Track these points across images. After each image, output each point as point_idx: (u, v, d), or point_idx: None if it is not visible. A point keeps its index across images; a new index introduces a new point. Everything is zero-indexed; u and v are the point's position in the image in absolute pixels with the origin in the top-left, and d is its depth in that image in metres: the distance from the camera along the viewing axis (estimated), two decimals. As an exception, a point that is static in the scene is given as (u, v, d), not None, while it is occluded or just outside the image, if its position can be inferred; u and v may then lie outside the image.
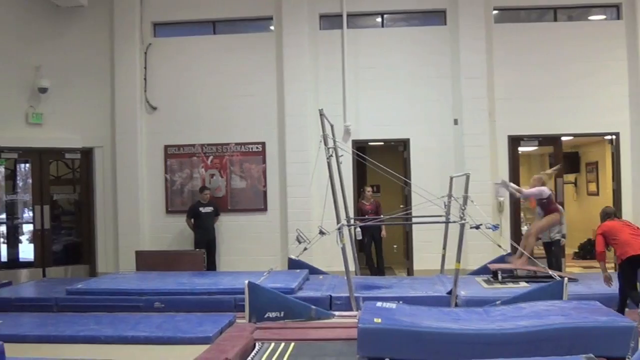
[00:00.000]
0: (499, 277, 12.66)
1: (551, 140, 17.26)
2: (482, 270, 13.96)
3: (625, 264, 10.56)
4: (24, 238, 17.55)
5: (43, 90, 16.99)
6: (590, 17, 17.36)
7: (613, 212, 11.72)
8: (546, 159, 20.31)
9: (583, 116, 16.60)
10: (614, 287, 10.94)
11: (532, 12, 17.49)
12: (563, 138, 17.36)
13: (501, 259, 13.94)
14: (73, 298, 12.22)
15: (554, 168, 14.89)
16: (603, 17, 17.28)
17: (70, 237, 18.17)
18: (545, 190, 13.43)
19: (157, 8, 17.59)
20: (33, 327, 10.20)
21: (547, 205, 13.41)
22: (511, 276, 12.88)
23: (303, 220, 15.88)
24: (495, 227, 11.92)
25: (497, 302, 10.44)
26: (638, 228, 11.03)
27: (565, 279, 10.84)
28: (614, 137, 16.80)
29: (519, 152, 17.43)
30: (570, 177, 21.41)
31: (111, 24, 17.52)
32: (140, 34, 17.48)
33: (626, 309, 10.48)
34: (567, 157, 19.49)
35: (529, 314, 8.78)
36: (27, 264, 17.16)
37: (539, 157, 21.69)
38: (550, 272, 11.63)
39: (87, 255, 17.75)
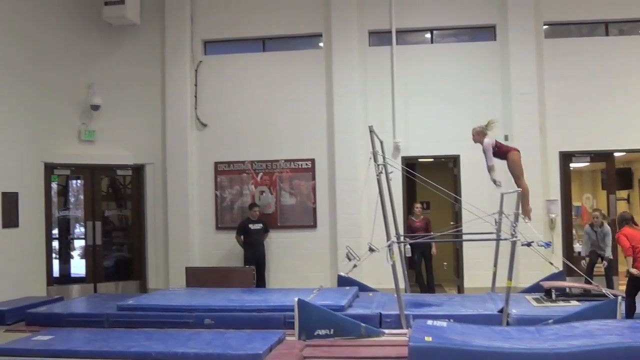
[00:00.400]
0: (553, 295, 12.47)
1: (603, 156, 17.07)
2: (534, 288, 13.79)
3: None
4: (75, 254, 17.76)
5: (95, 107, 17.22)
6: (643, 31, 17.19)
7: (631, 218, 11.76)
8: (598, 175, 20.08)
9: (636, 131, 16.39)
10: None
11: (582, 26, 17.34)
12: (615, 154, 17.16)
13: (554, 277, 13.77)
14: (124, 314, 12.30)
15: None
16: (655, 30, 17.10)
17: (121, 253, 18.35)
18: (489, 141, 12.82)
19: (208, 26, 17.76)
20: (84, 342, 10.28)
21: (502, 151, 12.98)
22: (564, 294, 12.69)
23: (353, 237, 15.86)
24: (548, 245, 11.79)
25: (550, 321, 10.32)
26: None
27: (619, 297, 10.68)
28: (667, 152, 16.57)
29: (571, 168, 17.25)
30: (623, 193, 21.12)
31: (162, 41, 17.72)
32: (190, 52, 17.65)
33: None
34: (619, 173, 19.25)
35: (582, 333, 8.67)
36: (78, 280, 17.37)
37: (591, 173, 21.44)
38: (604, 290, 11.46)
39: (138, 271, 17.90)
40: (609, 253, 15.06)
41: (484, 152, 12.63)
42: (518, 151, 12.79)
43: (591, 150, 16.77)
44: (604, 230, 15.26)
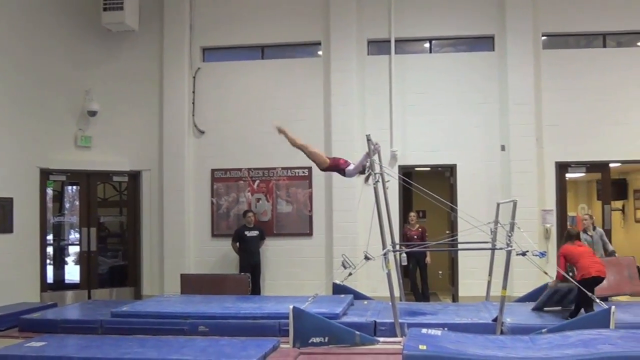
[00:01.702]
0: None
1: (599, 167, 17.13)
2: (528, 297, 13.81)
3: (586, 282, 11.35)
4: (70, 260, 17.76)
5: (92, 113, 17.24)
6: (640, 43, 17.26)
7: (576, 235, 12.31)
8: (593, 185, 20.13)
9: (631, 143, 16.46)
10: None
11: (580, 38, 17.40)
12: (611, 165, 17.21)
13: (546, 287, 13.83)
14: (118, 320, 12.24)
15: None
16: (653, 43, 17.17)
17: (116, 259, 18.36)
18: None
19: (206, 33, 17.79)
20: (78, 349, 10.22)
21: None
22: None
23: (348, 245, 15.87)
24: (542, 254, 11.78)
25: (544, 330, 10.32)
26: (593, 252, 12.12)
27: (613, 307, 10.68)
28: (662, 164, 16.62)
29: (567, 179, 17.29)
30: (618, 203, 21.17)
31: (161, 48, 17.75)
32: (189, 59, 17.69)
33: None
34: (615, 184, 19.31)
35: (575, 342, 8.66)
36: (73, 286, 17.37)
37: (587, 183, 21.49)
38: (598, 300, 11.46)
39: (133, 278, 17.91)
40: (611, 248, 15.47)
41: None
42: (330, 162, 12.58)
43: (587, 160, 16.82)
44: (598, 232, 15.48)
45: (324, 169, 12.68)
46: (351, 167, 12.30)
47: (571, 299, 11.99)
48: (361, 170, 12.22)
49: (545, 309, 12.41)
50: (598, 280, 11.48)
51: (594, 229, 15.56)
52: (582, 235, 15.55)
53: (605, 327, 10.10)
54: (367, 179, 12.21)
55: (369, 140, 12.05)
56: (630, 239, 20.83)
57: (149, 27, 17.67)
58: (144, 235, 17.74)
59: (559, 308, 12.37)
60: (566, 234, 12.39)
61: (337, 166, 12.41)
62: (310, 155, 12.48)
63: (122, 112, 17.56)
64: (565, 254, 11.86)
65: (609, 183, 17.56)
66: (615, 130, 16.49)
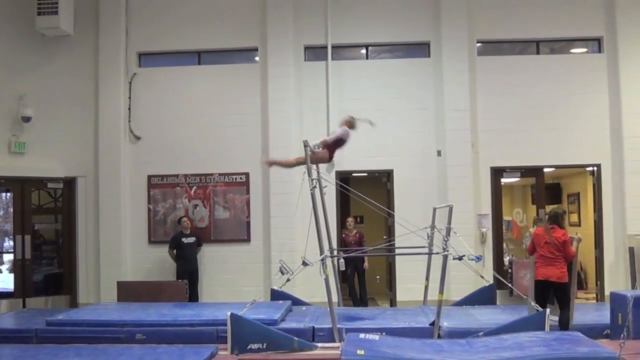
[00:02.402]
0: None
1: (533, 172, 17.39)
2: (465, 301, 13.96)
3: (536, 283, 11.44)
4: (3, 268, 17.43)
5: (26, 119, 16.97)
6: (573, 50, 17.57)
7: (556, 216, 11.75)
8: (528, 190, 20.39)
9: (565, 148, 16.75)
10: (598, 317, 11.15)
11: (515, 44, 17.67)
12: (545, 169, 17.49)
13: (485, 290, 14.00)
14: (53, 329, 12.08)
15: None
16: (585, 50, 17.48)
17: (52, 267, 18.08)
18: (347, 132, 12.93)
19: (143, 38, 17.64)
20: (12, 359, 10.09)
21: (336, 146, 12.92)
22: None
23: (286, 251, 15.86)
24: (478, 259, 11.90)
25: (480, 334, 10.43)
26: (558, 249, 11.33)
27: (547, 310, 10.83)
28: (595, 168, 16.94)
29: (502, 183, 17.51)
30: (552, 207, 21.47)
31: (96, 53, 17.53)
32: (125, 64, 17.51)
33: (608, 339, 10.56)
34: (549, 188, 19.59)
35: (511, 345, 8.76)
36: (6, 295, 16.99)
37: (522, 188, 21.74)
38: (532, 303, 11.60)
39: (68, 286, 17.65)
40: None
41: (337, 136, 12.70)
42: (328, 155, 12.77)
43: (522, 165, 17.09)
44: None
45: (331, 158, 12.82)
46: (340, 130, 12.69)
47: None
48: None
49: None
50: (544, 283, 11.34)
51: None
52: (528, 235, 16.04)
53: (541, 330, 10.25)
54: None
55: (306, 146, 12.08)
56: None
57: (84, 32, 17.45)
58: (80, 243, 17.50)
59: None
60: (551, 213, 12.08)
61: (337, 145, 12.73)
62: (312, 161, 12.35)
63: (57, 118, 17.31)
64: (534, 235, 11.80)
65: (543, 187, 17.83)
66: (549, 136, 16.76)
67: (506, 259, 17.45)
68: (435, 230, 13.13)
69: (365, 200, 12.87)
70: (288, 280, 11.71)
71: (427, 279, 14.04)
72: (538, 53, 17.45)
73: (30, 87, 17.11)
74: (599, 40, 17.15)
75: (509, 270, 16.52)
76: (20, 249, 17.04)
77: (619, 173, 16.61)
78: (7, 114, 16.94)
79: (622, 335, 8.74)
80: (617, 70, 16.71)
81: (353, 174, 17.86)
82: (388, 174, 17.17)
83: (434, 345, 9.30)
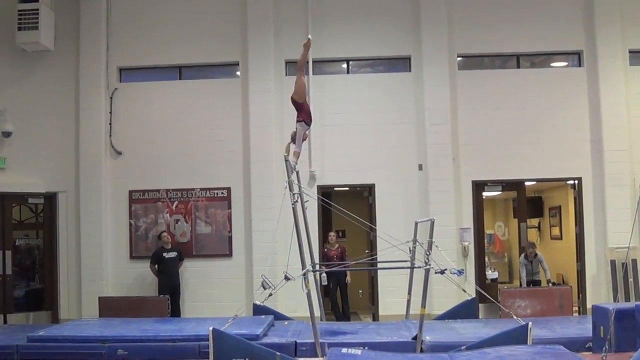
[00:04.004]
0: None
1: (515, 185, 17.49)
2: (448, 315, 13.96)
3: None
4: (-16, 284, 17.31)
5: (7, 134, 16.93)
6: (553, 64, 17.68)
7: None
8: (510, 203, 20.47)
9: (546, 161, 16.82)
10: (580, 330, 11.21)
11: (495, 59, 17.79)
12: (526, 183, 17.59)
13: (467, 304, 14.03)
14: (35, 345, 11.99)
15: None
16: (565, 64, 17.60)
17: (33, 282, 17.98)
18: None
19: (123, 53, 17.61)
20: (-7, 375, 10.05)
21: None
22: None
23: (268, 265, 15.73)
24: (460, 272, 11.91)
25: (462, 348, 10.42)
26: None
27: (530, 323, 10.84)
28: (576, 182, 17.04)
29: (483, 197, 17.56)
30: (534, 221, 21.55)
31: (77, 68, 17.49)
32: (106, 79, 17.48)
33: (590, 352, 10.58)
34: (530, 202, 19.68)
35: (493, 359, 8.77)
36: (-13, 311, 16.92)
37: (503, 201, 21.85)
38: (514, 316, 11.61)
39: (50, 302, 17.54)
40: (549, 276, 16.43)
41: (297, 137, 12.57)
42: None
43: (503, 179, 17.16)
44: (539, 258, 16.60)
45: (297, 102, 12.42)
46: (299, 128, 12.35)
47: None
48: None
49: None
50: None
51: (535, 255, 16.62)
52: (523, 261, 16.24)
53: (523, 344, 10.25)
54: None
55: (287, 161, 12.08)
56: (546, 255, 21.01)
57: (64, 47, 17.41)
58: (61, 258, 17.40)
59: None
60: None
61: (304, 110, 12.40)
62: (298, 80, 12.33)
63: (38, 133, 17.26)
64: None
65: (525, 201, 17.91)
66: (530, 149, 16.83)
67: (488, 272, 17.46)
68: (417, 244, 13.12)
69: (347, 215, 12.85)
70: (270, 295, 11.66)
71: (409, 293, 14.01)
72: (518, 67, 17.55)
73: (11, 102, 17.08)
74: (579, 54, 17.27)
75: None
76: (1, 264, 16.92)
77: (599, 186, 16.70)
78: (-13, 129, 16.89)
79: (604, 348, 8.76)
80: (597, 83, 16.83)
81: (335, 189, 17.86)
82: (370, 188, 17.19)
83: (416, 359, 9.29)
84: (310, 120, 12.44)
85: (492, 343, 10.26)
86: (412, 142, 16.98)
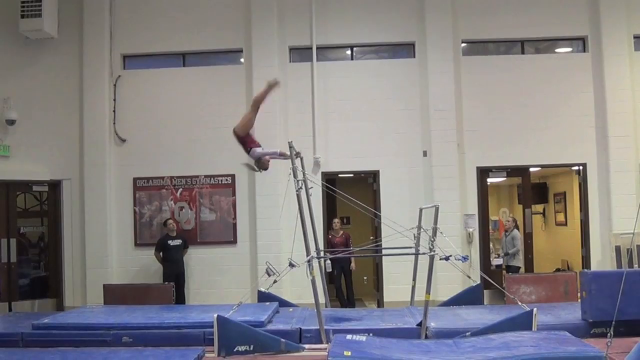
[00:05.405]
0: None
1: (519, 171, 17.45)
2: (452, 301, 13.95)
3: None
4: (-11, 271, 17.34)
5: (11, 122, 16.91)
6: (557, 50, 17.61)
7: None
8: (515, 189, 20.44)
9: (551, 147, 16.77)
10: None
11: (500, 44, 17.69)
12: (531, 169, 17.54)
13: (472, 290, 14.01)
14: (39, 333, 12.00)
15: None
16: (569, 49, 17.53)
17: (37, 270, 17.98)
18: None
19: (127, 40, 17.57)
20: (-2, 363, 10.06)
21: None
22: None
23: (273, 252, 15.85)
24: (465, 259, 11.89)
25: (467, 334, 10.43)
26: None
27: (535, 309, 10.83)
28: (581, 167, 16.99)
29: (488, 183, 17.54)
30: (539, 207, 21.53)
31: (81, 55, 17.45)
32: (109, 66, 17.44)
33: (595, 339, 10.59)
34: (535, 188, 19.64)
35: (498, 345, 8.78)
36: (-8, 298, 16.95)
37: (508, 187, 21.82)
38: (519, 303, 11.60)
39: (55, 289, 17.56)
40: (515, 261, 16.59)
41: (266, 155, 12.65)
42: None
43: (508, 165, 17.11)
44: (512, 234, 16.57)
45: (239, 136, 12.60)
46: (259, 150, 12.31)
47: None
48: (261, 159, 12.43)
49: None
50: None
51: (512, 230, 16.68)
52: (502, 236, 16.37)
53: (528, 329, 10.26)
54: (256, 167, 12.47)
55: (291, 147, 12.09)
56: (551, 241, 21.19)
57: (68, 34, 17.38)
58: (66, 246, 17.42)
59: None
60: None
61: (248, 142, 12.56)
62: (247, 114, 12.57)
63: (42, 121, 17.24)
64: None
65: (530, 187, 17.90)
66: (534, 135, 16.79)
67: (493, 259, 17.44)
68: (422, 230, 13.11)
69: (351, 201, 12.85)
70: (275, 281, 11.70)
71: (414, 279, 14.03)
72: (523, 53, 17.48)
73: (15, 90, 17.06)
74: (583, 40, 17.20)
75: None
76: (6, 252, 16.94)
77: (604, 172, 16.66)
78: (-9, 117, 16.88)
79: (609, 334, 8.75)
80: (602, 69, 16.78)
81: (339, 175, 17.86)
82: (374, 175, 17.16)
83: (421, 345, 9.30)
84: (259, 145, 12.55)
85: (497, 329, 10.28)
86: (417, 129, 16.94)
